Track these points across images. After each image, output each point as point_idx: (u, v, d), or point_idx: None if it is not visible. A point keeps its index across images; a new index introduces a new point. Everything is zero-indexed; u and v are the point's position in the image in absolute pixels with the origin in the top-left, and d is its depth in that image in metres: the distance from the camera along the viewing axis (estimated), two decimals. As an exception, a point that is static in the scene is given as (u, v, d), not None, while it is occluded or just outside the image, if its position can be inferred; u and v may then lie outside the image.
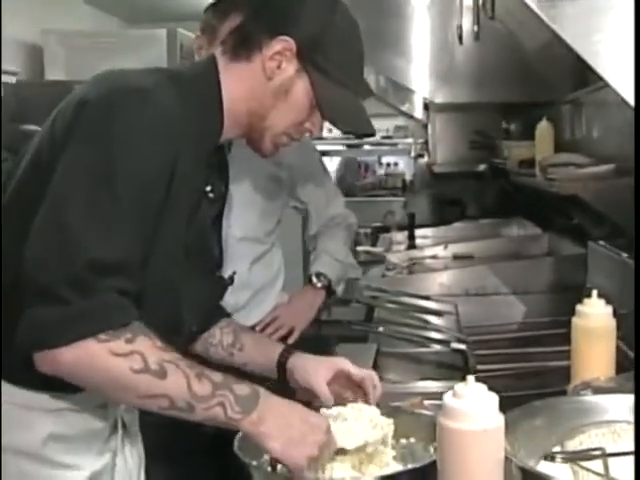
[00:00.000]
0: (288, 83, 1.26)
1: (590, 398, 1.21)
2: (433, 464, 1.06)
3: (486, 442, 0.97)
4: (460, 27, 2.93)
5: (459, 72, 3.57)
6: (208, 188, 1.32)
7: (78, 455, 1.27)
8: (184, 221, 1.21)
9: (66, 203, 1.09)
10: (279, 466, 1.21)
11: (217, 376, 1.14)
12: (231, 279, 1.51)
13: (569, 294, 2.43)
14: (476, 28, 2.31)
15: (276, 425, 1.14)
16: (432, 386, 1.83)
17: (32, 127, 3.00)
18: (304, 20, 1.25)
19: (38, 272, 1.07)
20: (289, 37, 1.23)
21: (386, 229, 4.29)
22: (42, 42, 3.78)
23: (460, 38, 2.93)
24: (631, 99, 1.35)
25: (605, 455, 0.92)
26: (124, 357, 1.07)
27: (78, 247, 1.06)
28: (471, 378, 0.99)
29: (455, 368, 2.00)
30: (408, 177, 5.47)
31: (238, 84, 1.26)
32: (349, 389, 1.40)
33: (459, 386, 0.99)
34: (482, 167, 4.21)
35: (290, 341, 2.02)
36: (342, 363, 1.42)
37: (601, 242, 2.11)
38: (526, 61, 3.08)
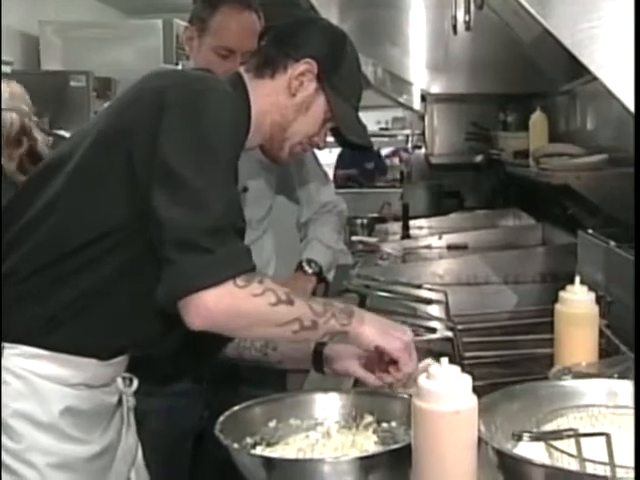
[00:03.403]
0: (309, 100, 1.44)
1: (569, 382, 1.22)
2: (410, 446, 1.07)
3: (458, 423, 0.97)
4: (454, 17, 2.93)
5: (455, 63, 3.58)
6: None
7: (88, 430, 1.38)
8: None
9: (183, 172, 1.23)
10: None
11: (319, 298, 1.40)
12: None
13: (560, 283, 2.43)
14: (467, 18, 2.31)
15: (374, 325, 1.34)
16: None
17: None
18: (324, 45, 1.46)
19: (180, 230, 1.21)
20: (312, 59, 1.43)
21: (382, 220, 4.29)
22: (38, 32, 3.79)
23: (454, 28, 2.93)
24: (618, 91, 1.34)
25: (575, 435, 0.93)
26: (261, 296, 1.23)
27: (211, 205, 1.22)
28: (444, 360, 0.99)
29: (445, 356, 2.01)
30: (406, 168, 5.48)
31: (264, 98, 1.43)
32: (385, 364, 1.43)
33: (433, 368, 1.00)
34: (479, 158, 4.21)
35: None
36: (369, 341, 1.42)
37: (590, 231, 2.12)
38: (521, 52, 3.08)
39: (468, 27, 2.32)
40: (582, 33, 1.33)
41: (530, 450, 1.05)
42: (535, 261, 2.56)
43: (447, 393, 0.97)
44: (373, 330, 1.34)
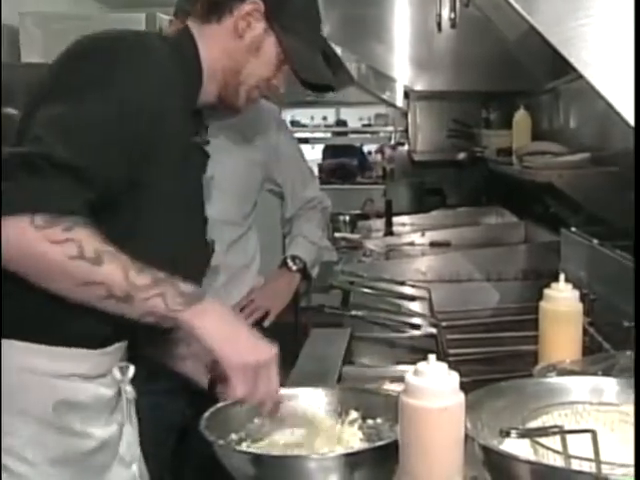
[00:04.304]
0: (258, 40, 1.39)
1: (554, 380, 1.22)
2: (396, 442, 1.07)
3: (446, 420, 0.97)
4: (439, 15, 2.93)
5: (439, 60, 3.58)
6: (197, 138, 1.42)
7: (87, 423, 1.32)
8: (177, 170, 1.30)
9: (55, 98, 1.20)
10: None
11: (162, 274, 1.17)
12: (212, 248, 1.52)
13: (542, 281, 2.44)
14: (452, 15, 2.31)
15: (219, 325, 1.17)
16: (405, 370, 1.84)
17: (9, 110, 2.98)
18: None
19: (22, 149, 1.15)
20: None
21: (365, 216, 4.29)
22: (19, 24, 3.75)
23: (439, 26, 2.93)
24: (604, 89, 1.34)
25: (561, 432, 0.93)
26: (60, 244, 1.11)
27: (58, 138, 1.14)
28: (432, 357, 0.99)
29: (426, 352, 2.01)
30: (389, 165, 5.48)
31: (212, 44, 1.39)
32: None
33: (421, 364, 1.00)
34: (461, 156, 4.22)
35: (266, 324, 2.03)
36: (203, 340, 1.25)
37: (573, 229, 2.13)
38: (505, 50, 3.09)
39: (454, 25, 2.32)
40: (569, 31, 1.33)
41: (516, 447, 1.05)
42: (518, 258, 2.57)
43: (435, 390, 0.97)
44: (215, 330, 1.17)
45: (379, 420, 1.33)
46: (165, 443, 2.00)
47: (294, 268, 2.07)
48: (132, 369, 1.41)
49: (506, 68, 3.26)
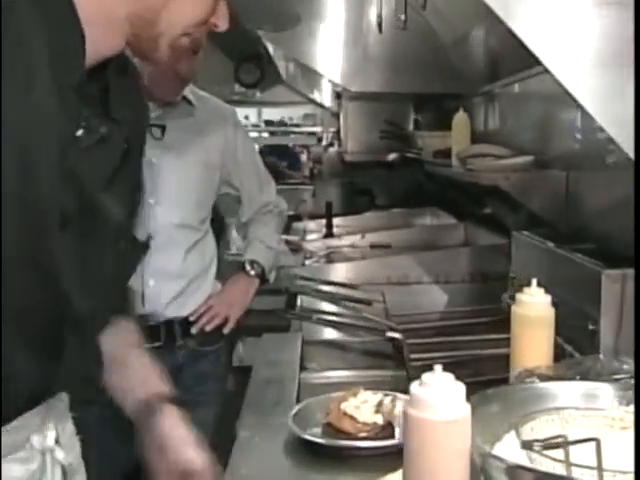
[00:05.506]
0: None
1: (541, 385, 1.22)
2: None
3: (452, 432, 0.95)
4: (380, 16, 2.93)
5: (374, 61, 3.58)
6: (79, 132, 0.98)
7: None
8: (47, 177, 0.93)
9: None
10: None
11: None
12: (146, 244, 1.25)
13: (490, 283, 2.47)
14: (403, 17, 2.30)
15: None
16: (366, 375, 1.82)
17: None
18: None
19: None
20: None
21: (298, 218, 4.26)
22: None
23: (380, 27, 2.93)
24: (571, 87, 1.34)
25: (573, 442, 0.92)
26: None
27: None
28: (438, 367, 0.97)
29: (384, 356, 2.00)
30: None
31: None
32: None
33: (426, 375, 0.97)
34: (392, 157, 4.24)
35: (225, 331, 1.98)
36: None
37: (525, 232, 2.15)
38: (441, 53, 3.12)
39: (405, 26, 2.32)
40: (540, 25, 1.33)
41: (509, 453, 1.04)
42: (463, 260, 2.59)
43: (441, 402, 0.95)
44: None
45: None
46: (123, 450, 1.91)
47: (252, 273, 2.02)
48: (53, 434, 1.10)
49: (440, 71, 3.30)
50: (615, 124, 1.29)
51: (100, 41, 0.98)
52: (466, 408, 0.96)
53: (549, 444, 0.89)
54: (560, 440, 0.96)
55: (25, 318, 0.96)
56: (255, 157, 2.12)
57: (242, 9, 1.13)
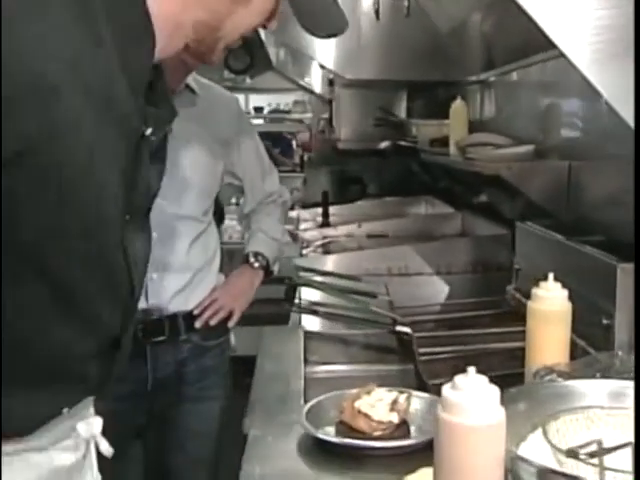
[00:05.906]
0: None
1: (566, 383, 1.20)
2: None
3: (486, 438, 0.92)
4: (377, 3, 2.90)
5: (369, 48, 3.54)
6: (149, 131, 1.01)
7: None
8: (120, 175, 0.96)
9: None
10: None
11: None
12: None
13: (491, 274, 2.44)
14: (407, 3, 2.26)
15: None
16: (371, 369, 1.80)
17: None
18: None
19: None
20: None
21: (290, 207, 4.21)
22: None
23: (377, 13, 2.90)
24: (585, 70, 1.30)
25: (615, 448, 0.90)
26: None
27: None
28: (472, 369, 0.94)
29: (388, 350, 1.97)
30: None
31: None
32: None
33: (459, 378, 0.94)
34: (384, 144, 4.19)
35: (230, 324, 1.94)
36: None
37: (529, 223, 2.12)
38: (437, 41, 3.08)
39: (408, 14, 2.28)
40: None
41: (535, 454, 1.02)
42: (463, 251, 2.56)
43: (474, 405, 0.92)
44: None
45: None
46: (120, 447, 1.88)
47: (257, 265, 1.98)
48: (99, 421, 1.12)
49: (437, 58, 3.26)
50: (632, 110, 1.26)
51: (164, 45, 1.00)
52: (501, 412, 0.93)
53: (593, 452, 0.86)
54: (598, 448, 0.94)
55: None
56: (259, 146, 2.07)
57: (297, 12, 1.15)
